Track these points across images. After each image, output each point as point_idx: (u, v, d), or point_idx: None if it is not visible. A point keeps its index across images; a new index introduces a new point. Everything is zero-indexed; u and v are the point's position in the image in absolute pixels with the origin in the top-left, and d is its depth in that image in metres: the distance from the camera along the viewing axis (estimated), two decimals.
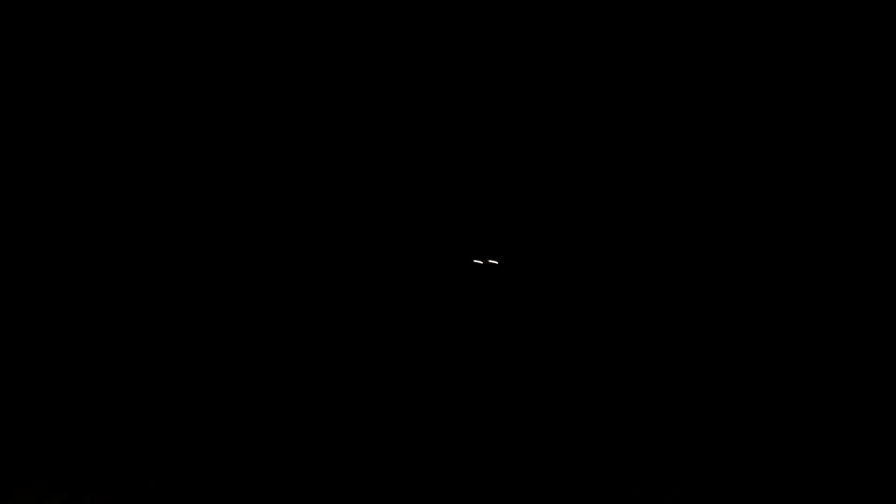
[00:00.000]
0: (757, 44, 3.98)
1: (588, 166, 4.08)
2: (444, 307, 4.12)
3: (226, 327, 4.08)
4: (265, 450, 3.85)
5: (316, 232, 4.13)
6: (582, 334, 4.09)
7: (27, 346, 4.00)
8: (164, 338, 4.06)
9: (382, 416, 3.98)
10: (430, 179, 4.09)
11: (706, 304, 4.02)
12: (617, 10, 3.97)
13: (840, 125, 3.97)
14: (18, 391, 3.94)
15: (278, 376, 4.05)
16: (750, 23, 3.96)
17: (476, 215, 4.11)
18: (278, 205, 4.12)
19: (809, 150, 4.00)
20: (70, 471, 3.70)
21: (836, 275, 3.95)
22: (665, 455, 3.81)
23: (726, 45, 3.99)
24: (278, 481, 3.71)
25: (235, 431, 3.92)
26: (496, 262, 3.87)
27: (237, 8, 4.01)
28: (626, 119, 4.07)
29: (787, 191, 4.01)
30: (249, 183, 4.11)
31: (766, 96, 4.01)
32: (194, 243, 4.10)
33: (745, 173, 4.03)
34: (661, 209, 4.06)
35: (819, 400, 3.84)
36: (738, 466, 3.75)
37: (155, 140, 4.09)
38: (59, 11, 3.98)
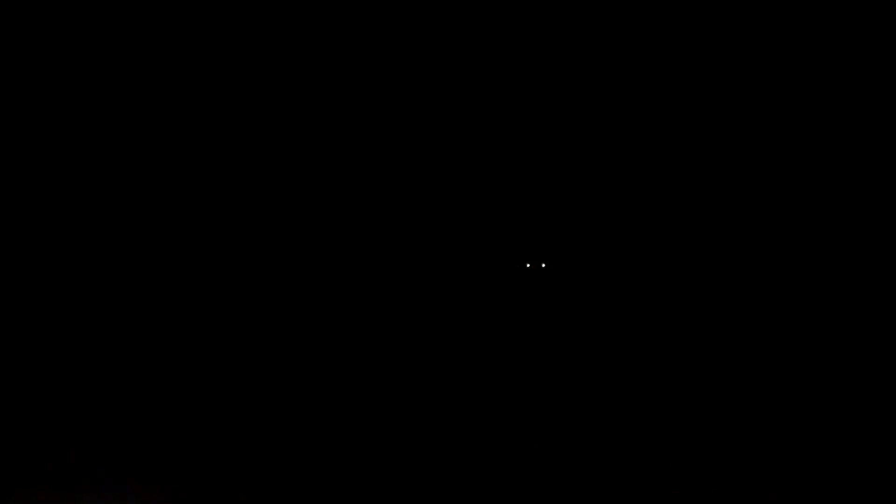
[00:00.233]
0: (757, 44, 3.98)
1: (604, 169, 4.08)
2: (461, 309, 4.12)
3: (227, 328, 4.08)
4: (265, 450, 3.84)
5: (319, 234, 4.13)
6: (592, 335, 4.09)
7: (27, 347, 4.00)
8: (164, 338, 4.06)
9: (385, 418, 3.98)
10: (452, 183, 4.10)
11: (712, 306, 4.02)
12: (618, 11, 3.98)
13: (840, 125, 3.98)
14: (18, 391, 3.94)
15: (279, 377, 4.05)
16: (750, 23, 3.97)
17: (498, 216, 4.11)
18: (307, 207, 4.12)
19: (809, 150, 4.00)
20: (69, 471, 3.69)
21: (836, 275, 3.95)
22: (667, 456, 3.81)
23: (727, 45, 4.00)
24: (278, 481, 3.71)
25: (236, 432, 3.91)
26: (536, 265, 3.87)
27: (237, 8, 4.02)
28: (635, 121, 4.08)
29: (788, 191, 4.01)
30: (266, 184, 4.11)
31: (766, 96, 4.02)
32: (195, 243, 4.10)
33: (760, 176, 4.03)
34: (665, 210, 4.06)
35: (819, 400, 3.85)
36: (738, 467, 3.75)
37: (155, 140, 4.09)
38: (59, 11, 3.98)
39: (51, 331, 4.02)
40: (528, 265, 3.95)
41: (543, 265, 3.91)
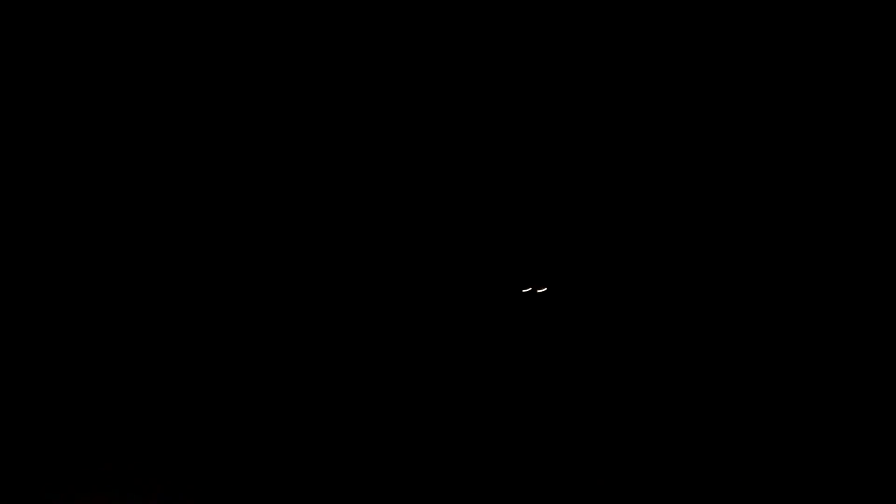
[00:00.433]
0: (757, 44, 3.98)
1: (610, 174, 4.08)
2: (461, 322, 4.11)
3: (228, 328, 4.07)
4: (266, 450, 3.84)
5: (326, 241, 4.13)
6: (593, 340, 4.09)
7: (27, 347, 4.00)
8: (165, 338, 4.05)
9: (386, 420, 3.98)
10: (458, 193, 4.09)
11: (713, 307, 4.01)
12: (618, 11, 3.97)
13: (840, 125, 3.97)
14: (19, 392, 3.94)
15: (280, 379, 4.05)
16: (750, 23, 3.96)
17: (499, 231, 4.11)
18: (302, 218, 4.11)
19: (809, 151, 4.00)
20: (69, 471, 3.69)
21: (836, 275, 3.95)
22: (668, 457, 3.81)
23: (726, 46, 3.99)
24: (278, 481, 3.71)
25: (237, 432, 3.91)
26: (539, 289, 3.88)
27: (237, 8, 4.01)
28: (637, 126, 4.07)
29: (788, 191, 4.01)
30: (270, 185, 4.11)
31: (766, 96, 4.01)
32: (195, 243, 4.10)
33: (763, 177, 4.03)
34: (667, 212, 4.06)
35: (819, 400, 3.84)
36: (739, 467, 3.75)
37: (155, 140, 4.09)
38: (58, 11, 3.98)
39: (51, 331, 4.01)
40: (529, 288, 3.98)
41: (545, 288, 3.93)
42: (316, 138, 4.12)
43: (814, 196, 3.99)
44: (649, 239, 4.08)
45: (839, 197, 3.97)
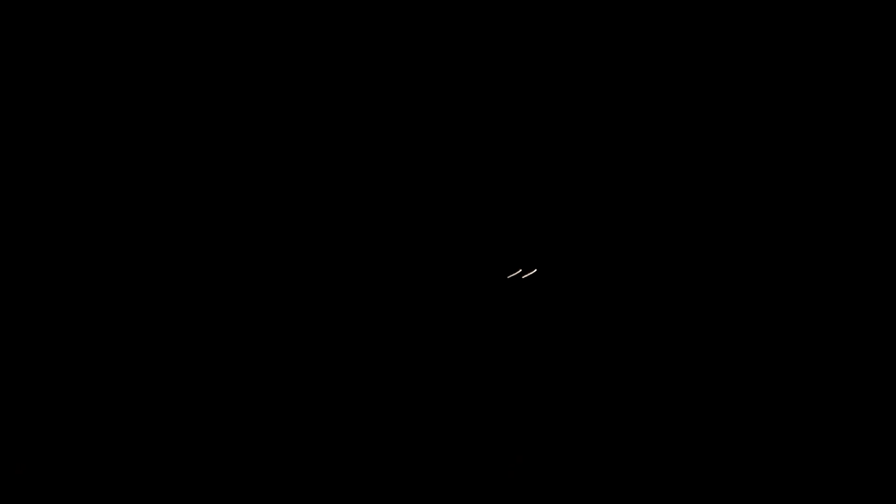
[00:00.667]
0: (757, 44, 3.98)
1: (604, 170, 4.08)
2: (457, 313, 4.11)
3: (229, 328, 4.07)
4: (266, 451, 3.84)
5: (325, 234, 4.13)
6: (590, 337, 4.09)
7: (26, 348, 4.00)
8: (165, 339, 4.05)
9: (386, 419, 3.98)
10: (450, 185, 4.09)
11: (711, 307, 4.02)
12: (618, 11, 3.98)
13: (840, 125, 3.97)
14: (18, 392, 3.94)
15: (280, 380, 4.05)
16: (750, 23, 3.96)
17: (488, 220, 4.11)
18: (293, 210, 4.11)
19: (809, 151, 4.00)
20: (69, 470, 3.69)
21: (836, 275, 3.95)
22: (669, 457, 3.81)
23: (726, 46, 3.99)
24: (278, 481, 3.71)
25: (237, 432, 3.91)
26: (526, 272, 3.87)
27: (237, 8, 4.01)
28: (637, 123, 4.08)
29: (788, 191, 4.01)
30: (265, 184, 4.11)
31: (766, 96, 4.01)
32: (195, 243, 4.10)
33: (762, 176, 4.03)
34: (663, 212, 4.06)
35: (819, 400, 3.84)
36: (740, 468, 3.75)
37: (155, 140, 4.09)
38: (58, 11, 3.98)
39: (51, 331, 4.01)
40: (520, 271, 3.96)
41: (535, 270, 3.91)
42: (306, 134, 4.12)
43: (814, 196, 4.00)
44: (647, 235, 4.08)
45: (839, 197, 3.98)
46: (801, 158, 4.01)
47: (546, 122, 4.11)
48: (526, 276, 3.89)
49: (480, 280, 4.11)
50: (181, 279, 4.07)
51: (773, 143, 4.02)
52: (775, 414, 3.85)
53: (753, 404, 3.88)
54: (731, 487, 3.70)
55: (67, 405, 3.93)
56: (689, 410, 3.90)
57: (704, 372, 3.96)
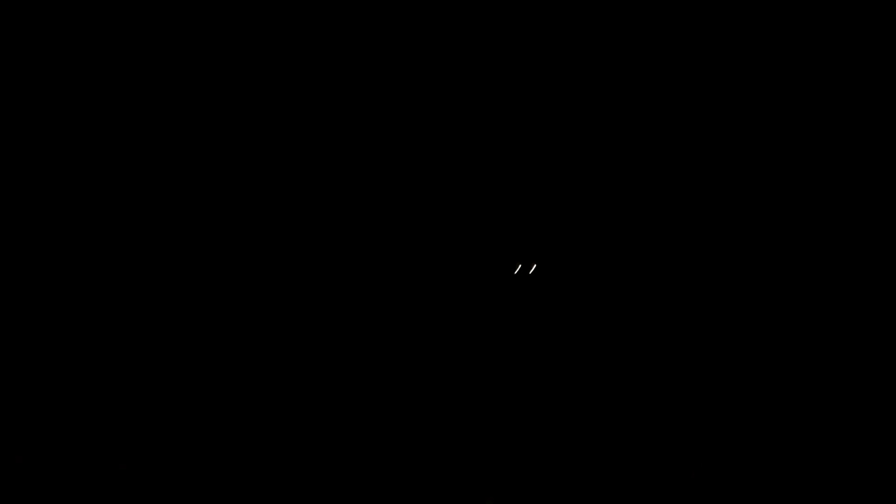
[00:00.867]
0: (757, 44, 3.98)
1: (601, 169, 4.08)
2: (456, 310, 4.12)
3: (229, 328, 4.08)
4: (266, 451, 3.85)
5: (325, 232, 4.13)
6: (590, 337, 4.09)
7: (26, 348, 4.01)
8: (165, 339, 4.06)
9: (385, 419, 3.98)
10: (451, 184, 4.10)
11: (710, 307, 4.02)
12: (618, 11, 3.98)
13: (840, 125, 3.98)
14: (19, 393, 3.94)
15: (280, 381, 4.06)
16: (750, 23, 3.97)
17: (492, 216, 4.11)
18: (295, 208, 4.12)
19: (809, 151, 4.00)
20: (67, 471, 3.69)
21: (836, 275, 3.96)
22: (670, 458, 3.81)
23: (726, 46, 4.00)
24: (278, 481, 3.71)
25: (238, 432, 3.91)
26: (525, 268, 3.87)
27: (237, 8, 4.02)
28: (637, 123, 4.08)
29: (788, 191, 4.01)
30: (265, 184, 4.11)
31: (766, 96, 4.02)
32: (195, 243, 4.10)
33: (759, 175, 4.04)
34: (663, 212, 4.06)
35: (819, 400, 3.85)
36: (741, 468, 3.75)
37: (155, 140, 4.10)
38: (58, 11, 3.98)
39: (51, 331, 4.02)
40: (520, 267, 3.96)
41: (535, 266, 3.91)
42: (306, 134, 4.12)
43: (814, 196, 4.00)
44: (647, 235, 4.08)
45: (839, 197, 3.98)
46: (802, 158, 4.01)
47: (546, 123, 4.11)
48: (526, 270, 3.89)
49: (480, 278, 4.12)
50: (181, 279, 4.08)
51: (773, 143, 4.03)
52: (775, 414, 3.86)
53: (753, 404, 3.88)
54: (730, 487, 3.70)
55: (67, 405, 3.93)
56: (690, 410, 3.91)
57: (704, 372, 3.96)
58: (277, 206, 4.12)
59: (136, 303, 4.06)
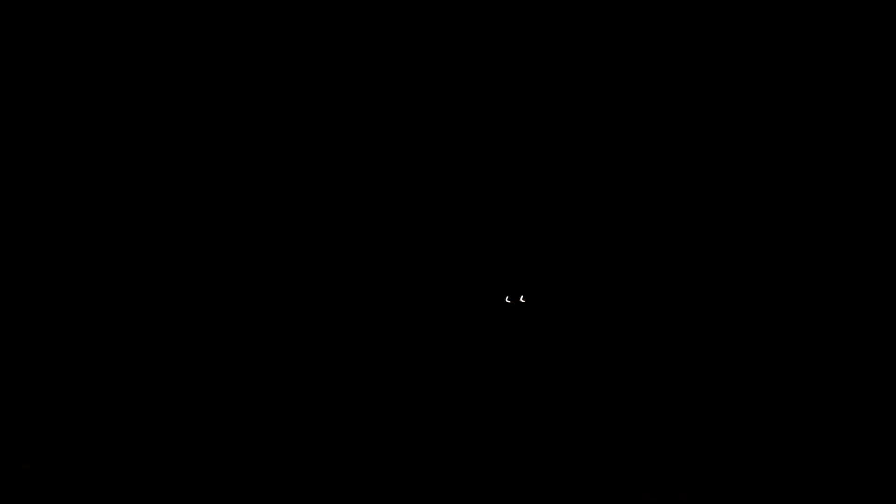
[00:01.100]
0: (757, 44, 3.98)
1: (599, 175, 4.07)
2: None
3: (228, 328, 4.07)
4: (266, 451, 3.84)
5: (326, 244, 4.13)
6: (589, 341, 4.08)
7: (26, 348, 4.00)
8: (165, 339, 4.05)
9: (385, 420, 3.97)
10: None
11: (709, 307, 4.01)
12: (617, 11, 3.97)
13: (840, 125, 3.97)
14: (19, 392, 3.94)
15: (280, 381, 4.05)
16: (750, 23, 3.96)
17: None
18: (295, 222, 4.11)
19: (809, 151, 4.00)
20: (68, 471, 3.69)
21: (836, 275, 3.95)
22: (670, 458, 3.80)
23: (726, 46, 3.99)
24: (278, 482, 3.70)
25: (237, 432, 3.91)
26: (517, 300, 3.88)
27: (237, 8, 4.01)
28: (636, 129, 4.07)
29: (788, 191, 4.01)
30: (265, 184, 4.11)
31: (766, 96, 4.01)
32: (195, 243, 4.09)
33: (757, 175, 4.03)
34: (663, 213, 4.06)
35: (819, 400, 3.84)
36: (741, 468, 3.74)
37: (155, 140, 4.09)
38: (58, 11, 3.98)
39: (51, 331, 4.01)
40: (510, 299, 3.98)
41: (524, 298, 3.94)
42: (306, 134, 4.12)
43: (814, 196, 3.99)
44: (647, 236, 4.08)
45: (839, 197, 3.97)
46: (801, 158, 4.00)
47: (546, 123, 4.10)
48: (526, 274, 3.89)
49: (480, 280, 4.11)
50: (181, 279, 4.07)
51: (773, 143, 4.02)
52: (775, 414, 3.85)
53: (753, 404, 3.88)
54: (731, 487, 3.70)
55: (67, 405, 3.93)
56: (690, 410, 3.90)
57: (704, 372, 3.95)
58: (277, 206, 4.12)
59: (136, 303, 4.05)
